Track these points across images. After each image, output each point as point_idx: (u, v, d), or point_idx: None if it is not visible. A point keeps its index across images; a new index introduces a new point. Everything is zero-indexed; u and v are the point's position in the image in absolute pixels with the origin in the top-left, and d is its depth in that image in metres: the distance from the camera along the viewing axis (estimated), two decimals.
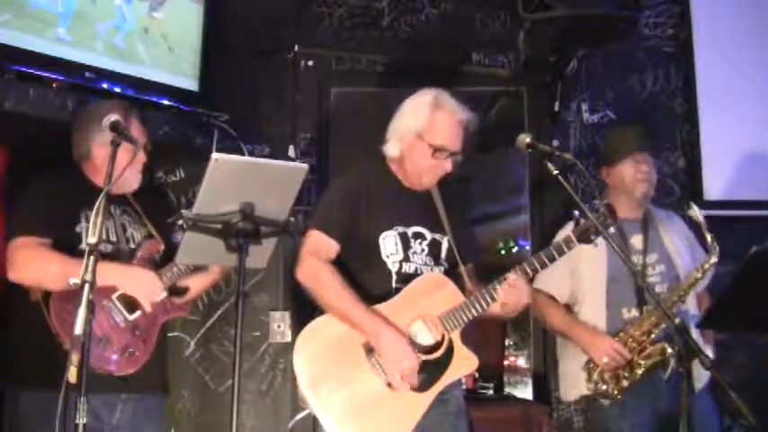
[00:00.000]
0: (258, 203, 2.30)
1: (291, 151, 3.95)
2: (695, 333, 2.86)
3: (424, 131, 2.58)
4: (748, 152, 3.23)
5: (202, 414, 3.75)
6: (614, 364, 2.83)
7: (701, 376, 2.88)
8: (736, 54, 3.87)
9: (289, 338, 3.82)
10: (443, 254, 2.68)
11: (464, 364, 2.54)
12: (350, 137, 4.07)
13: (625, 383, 2.84)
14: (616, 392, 2.85)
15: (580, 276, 3.02)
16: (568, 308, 3.08)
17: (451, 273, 2.66)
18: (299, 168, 2.45)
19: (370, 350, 2.48)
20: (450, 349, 2.52)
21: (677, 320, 2.26)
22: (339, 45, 4.03)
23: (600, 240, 2.60)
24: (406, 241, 2.62)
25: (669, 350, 2.78)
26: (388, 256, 2.59)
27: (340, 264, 2.57)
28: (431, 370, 2.50)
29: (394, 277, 2.58)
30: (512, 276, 2.51)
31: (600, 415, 2.93)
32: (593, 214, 2.48)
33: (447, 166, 2.61)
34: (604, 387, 2.86)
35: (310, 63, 4.02)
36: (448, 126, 2.58)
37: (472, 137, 2.67)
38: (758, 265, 2.29)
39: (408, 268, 2.61)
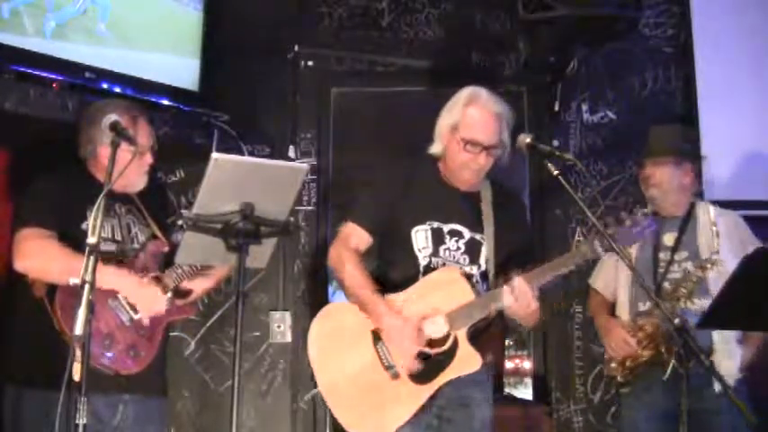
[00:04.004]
0: (258, 203, 2.30)
1: (291, 151, 3.95)
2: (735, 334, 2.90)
3: (458, 126, 2.61)
4: (748, 152, 3.23)
5: (202, 414, 3.75)
6: (622, 352, 2.94)
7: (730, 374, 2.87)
8: (736, 54, 3.86)
9: (289, 338, 3.82)
10: (483, 254, 2.65)
11: (466, 362, 2.52)
12: (350, 137, 4.07)
13: (628, 372, 2.96)
14: (622, 379, 2.99)
15: (618, 271, 3.13)
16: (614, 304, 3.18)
17: (499, 275, 2.61)
18: (299, 168, 2.47)
19: (377, 338, 2.52)
20: (455, 347, 2.52)
21: (677, 321, 2.25)
22: (339, 45, 4.04)
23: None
24: (438, 237, 2.62)
25: (662, 349, 2.84)
26: (419, 250, 2.61)
27: (376, 256, 2.63)
28: (433, 364, 2.50)
29: (421, 270, 2.60)
30: (515, 280, 2.45)
31: (620, 402, 3.12)
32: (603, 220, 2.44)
33: (481, 159, 2.60)
34: (615, 371, 3.00)
35: (310, 63, 4.02)
36: (480, 120, 2.59)
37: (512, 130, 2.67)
38: (758, 265, 2.29)
39: (436, 263, 2.61)
